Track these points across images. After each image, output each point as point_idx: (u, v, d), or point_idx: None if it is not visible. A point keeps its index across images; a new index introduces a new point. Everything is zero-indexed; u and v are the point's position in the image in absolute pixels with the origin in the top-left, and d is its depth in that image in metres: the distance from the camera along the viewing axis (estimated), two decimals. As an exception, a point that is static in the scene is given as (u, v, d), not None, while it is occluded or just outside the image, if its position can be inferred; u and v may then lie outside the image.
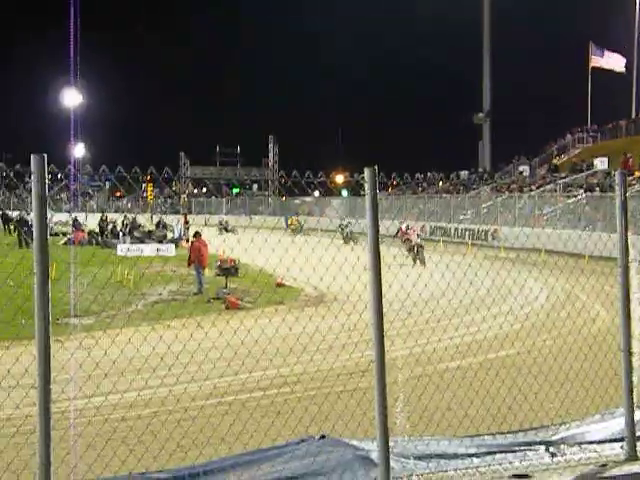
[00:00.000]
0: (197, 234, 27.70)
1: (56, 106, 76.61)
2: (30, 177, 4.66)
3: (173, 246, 41.47)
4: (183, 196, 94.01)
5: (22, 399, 9.25)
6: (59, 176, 64.55)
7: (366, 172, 5.63)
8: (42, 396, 4.60)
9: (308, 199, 75.45)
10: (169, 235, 48.24)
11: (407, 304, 15.48)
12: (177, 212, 72.40)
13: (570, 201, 45.94)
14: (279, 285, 25.82)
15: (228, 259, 27.37)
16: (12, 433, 9.64)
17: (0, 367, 9.43)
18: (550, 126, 70.97)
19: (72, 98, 60.72)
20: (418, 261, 31.88)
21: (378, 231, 5.61)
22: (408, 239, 35.09)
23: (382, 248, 5.70)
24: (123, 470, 6.88)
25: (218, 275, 27.52)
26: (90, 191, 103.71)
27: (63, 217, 55.54)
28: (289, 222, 60.55)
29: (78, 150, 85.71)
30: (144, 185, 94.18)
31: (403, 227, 38.14)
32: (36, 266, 4.62)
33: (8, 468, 7.79)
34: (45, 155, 4.68)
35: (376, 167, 5.65)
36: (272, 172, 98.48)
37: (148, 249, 40.02)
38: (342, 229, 49.56)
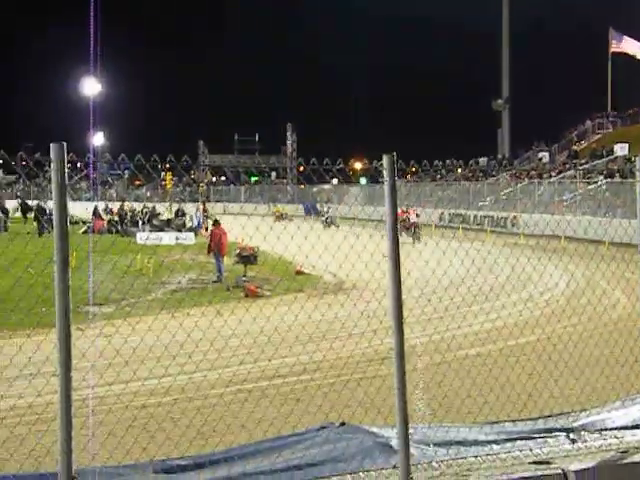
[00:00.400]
0: (216, 222, 27.76)
1: (75, 95, 76.89)
2: (50, 166, 4.66)
3: (192, 234, 41.58)
4: (202, 184, 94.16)
5: (43, 387, 9.32)
6: (78, 165, 64.78)
7: (384, 159, 5.61)
8: (63, 384, 4.62)
9: (327, 187, 75.35)
10: (188, 223, 48.33)
11: (426, 291, 15.48)
12: (196, 200, 72.53)
13: (590, 187, 45.70)
14: (298, 273, 25.82)
15: (247, 247, 27.39)
16: (34, 420, 9.72)
17: (21, 355, 9.49)
18: (570, 112, 70.38)
19: (91, 87, 60.81)
20: (415, 239, 34.63)
21: (397, 219, 5.60)
22: (407, 218, 38.67)
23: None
24: (144, 457, 6.92)
25: (237, 263, 27.56)
26: (109, 180, 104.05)
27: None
28: (274, 210, 61.94)
29: (97, 139, 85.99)
30: (163, 173, 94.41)
31: (398, 210, 39.55)
32: (56, 254, 4.63)
33: (30, 455, 7.86)
34: (65, 144, 4.69)
35: (395, 154, 5.63)
36: (290, 160, 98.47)
37: (167, 237, 40.15)
38: (322, 215, 52.48)
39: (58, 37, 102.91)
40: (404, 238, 34.60)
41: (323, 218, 50.04)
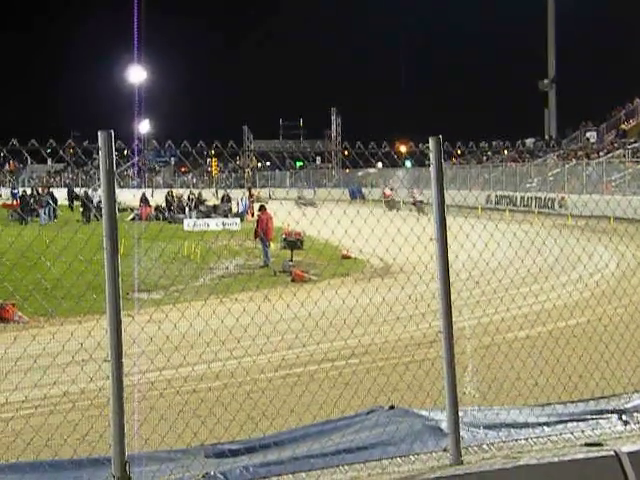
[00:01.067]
0: (263, 207, 27.84)
1: (123, 83, 77.49)
2: (98, 153, 4.70)
3: (239, 220, 41.77)
4: (247, 170, 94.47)
5: (95, 372, 9.42)
6: (125, 152, 65.41)
7: (431, 142, 5.58)
8: (114, 369, 4.67)
9: (372, 170, 75.11)
10: (234, 209, 48.53)
11: (474, 274, 15.39)
12: (242, 186, 72.78)
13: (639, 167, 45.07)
14: (345, 257, 25.81)
15: (294, 232, 27.46)
16: (87, 406, 9.85)
17: (73, 341, 9.60)
18: (618, 91, 69.36)
19: (138, 74, 61.18)
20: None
21: (444, 202, 5.56)
22: (393, 198, 51.16)
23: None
24: (195, 442, 6.98)
25: (284, 248, 27.63)
26: (156, 166, 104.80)
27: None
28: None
29: (144, 126, 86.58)
30: (209, 160, 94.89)
31: (387, 191, 54.73)
32: (106, 241, 4.67)
33: (84, 440, 7.96)
34: (112, 131, 4.73)
35: (441, 137, 5.59)
36: (335, 144, 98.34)
37: (214, 223, 40.38)
38: (299, 197, 56.70)
39: (105, 25, 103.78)
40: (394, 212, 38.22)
41: (300, 201, 52.52)
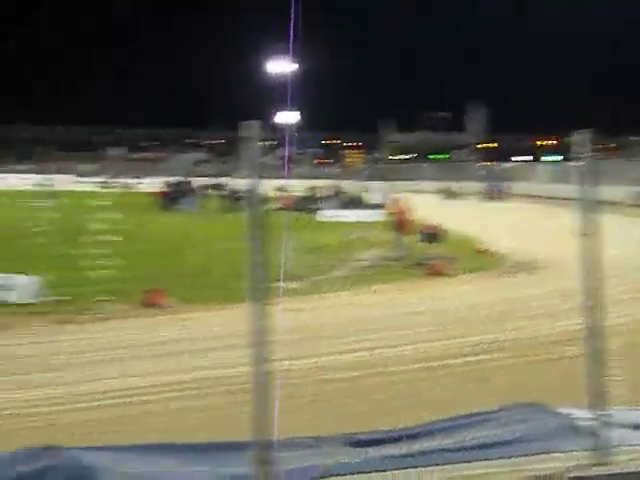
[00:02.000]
0: (400, 200, 27.81)
1: (267, 74, 78.54)
2: (243, 144, 4.77)
3: (377, 212, 41.81)
4: (387, 161, 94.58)
5: (237, 359, 9.64)
6: (266, 143, 66.49)
7: (578, 136, 5.44)
8: (256, 357, 4.75)
9: (508, 165, 73.95)
10: (372, 201, 48.61)
11: (626, 270, 14.88)
12: (381, 178, 72.86)
13: None
14: (482, 251, 25.49)
15: (431, 225, 27.30)
16: (231, 390, 10.06)
17: (216, 328, 9.84)
18: None
19: (286, 66, 62.06)
20: None
21: (595, 197, 5.41)
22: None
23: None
24: (327, 431, 7.02)
25: (422, 241, 27.50)
26: (297, 157, 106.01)
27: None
28: None
29: (291, 117, 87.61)
30: (350, 151, 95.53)
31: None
32: (250, 230, 4.76)
33: (224, 425, 8.12)
34: (258, 122, 4.80)
35: (591, 130, 5.45)
36: (476, 137, 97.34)
37: (352, 215, 40.57)
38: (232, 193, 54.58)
39: (252, 15, 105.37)
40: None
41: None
